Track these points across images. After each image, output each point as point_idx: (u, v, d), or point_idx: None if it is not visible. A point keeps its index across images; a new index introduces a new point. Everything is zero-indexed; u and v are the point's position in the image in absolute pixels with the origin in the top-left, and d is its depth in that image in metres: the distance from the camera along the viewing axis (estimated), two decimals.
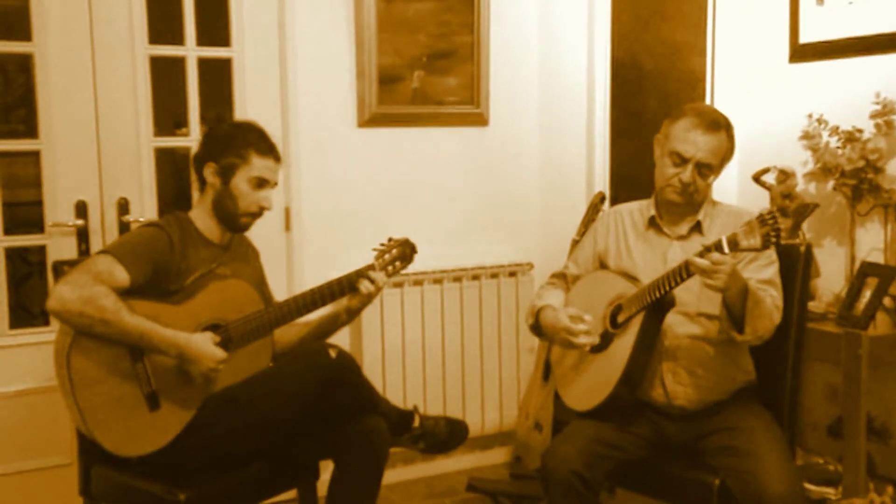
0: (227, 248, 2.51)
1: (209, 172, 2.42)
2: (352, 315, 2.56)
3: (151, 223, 2.45)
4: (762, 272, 2.34)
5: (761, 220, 2.01)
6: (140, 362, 2.26)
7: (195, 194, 2.59)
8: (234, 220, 2.45)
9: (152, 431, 2.26)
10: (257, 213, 2.47)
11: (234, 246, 2.54)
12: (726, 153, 2.41)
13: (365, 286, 2.45)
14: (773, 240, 2.00)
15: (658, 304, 2.26)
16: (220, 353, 2.28)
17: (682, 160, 2.37)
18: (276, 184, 2.49)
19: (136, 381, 2.25)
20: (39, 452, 3.03)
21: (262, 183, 2.44)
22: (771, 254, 2.37)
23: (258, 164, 2.43)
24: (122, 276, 2.22)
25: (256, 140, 2.45)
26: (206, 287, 2.37)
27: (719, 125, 2.38)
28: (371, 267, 2.49)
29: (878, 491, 2.24)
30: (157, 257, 2.31)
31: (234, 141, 2.44)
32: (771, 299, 2.29)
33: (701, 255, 2.10)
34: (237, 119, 2.56)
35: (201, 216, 2.46)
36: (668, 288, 2.22)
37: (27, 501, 3.02)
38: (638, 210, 2.56)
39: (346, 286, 2.47)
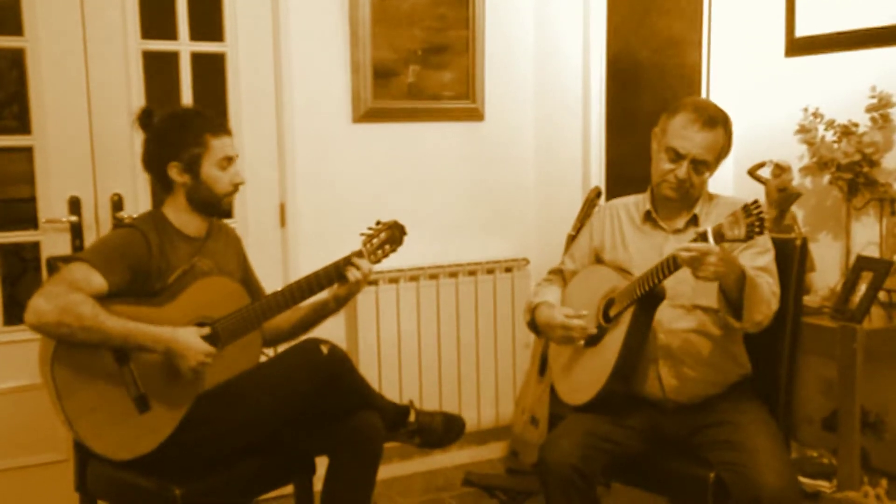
0: (206, 240, 2.47)
1: (175, 172, 2.37)
2: (340, 303, 2.52)
3: (126, 224, 2.42)
4: (757, 259, 2.34)
5: (746, 210, 2.02)
6: (126, 365, 2.24)
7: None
8: (215, 206, 2.42)
9: (143, 433, 2.25)
10: (235, 191, 2.44)
11: (212, 236, 2.50)
12: (723, 149, 2.40)
13: (352, 274, 2.42)
14: (757, 230, 2.00)
15: (648, 296, 2.26)
16: (208, 346, 2.26)
17: (677, 156, 2.37)
18: (237, 156, 2.46)
19: (124, 384, 2.24)
20: (35, 448, 3.02)
21: (228, 161, 2.40)
22: (766, 242, 2.37)
23: (218, 146, 2.38)
24: (98, 283, 2.19)
25: (206, 123, 2.40)
26: (189, 286, 2.34)
27: (716, 121, 2.37)
28: (358, 253, 2.45)
29: (872, 484, 2.24)
30: (134, 260, 2.28)
31: (187, 132, 2.38)
32: (767, 285, 2.29)
33: (671, 258, 2.11)
34: (174, 110, 2.52)
35: (176, 213, 2.42)
36: (656, 281, 2.22)
37: (23, 497, 3.02)
38: (634, 204, 2.56)
39: (333, 275, 2.43)
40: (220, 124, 2.42)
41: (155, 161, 2.40)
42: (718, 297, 2.26)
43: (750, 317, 2.22)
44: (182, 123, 2.40)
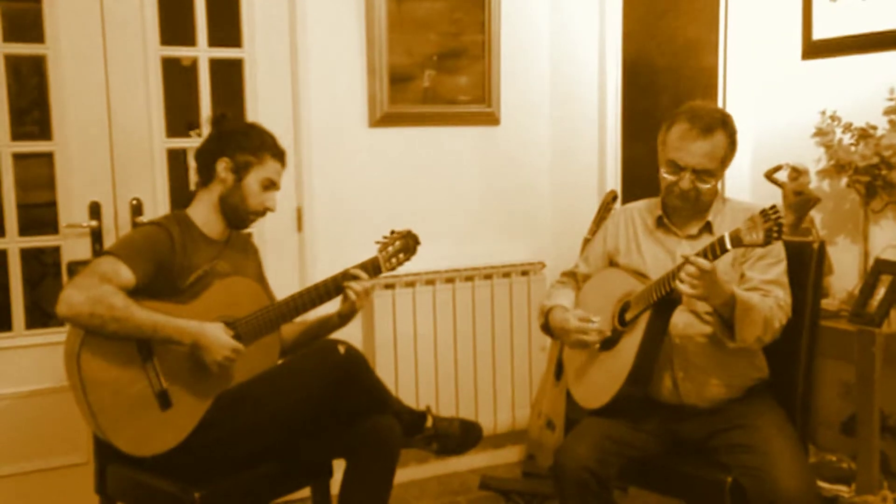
0: (226, 245, 2.52)
1: (222, 167, 2.44)
2: (344, 319, 2.57)
3: (151, 222, 2.46)
4: (768, 272, 2.33)
5: (764, 215, 2.01)
6: (150, 361, 2.27)
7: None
8: (240, 217, 2.48)
9: (165, 430, 2.28)
10: (262, 214, 2.50)
11: (233, 241, 2.55)
12: (726, 153, 2.37)
13: (351, 292, 2.45)
14: (776, 235, 1.99)
15: (664, 301, 2.26)
16: (235, 342, 2.30)
17: (678, 168, 2.35)
18: (280, 188, 2.53)
19: (147, 380, 2.27)
20: (56, 451, 3.05)
21: (270, 185, 2.48)
22: (779, 252, 2.36)
23: (271, 167, 2.47)
24: (127, 276, 2.24)
25: (272, 143, 2.50)
26: (211, 285, 2.39)
27: (713, 127, 2.33)
28: (375, 261, 2.50)
29: (892, 488, 2.23)
30: (160, 255, 2.32)
31: (251, 140, 2.46)
32: (774, 300, 2.28)
33: (683, 264, 2.12)
34: (251, 121, 2.59)
35: (203, 212, 2.47)
36: (672, 285, 2.20)
37: (44, 500, 3.05)
38: (647, 208, 2.55)
39: (339, 284, 2.48)
40: (282, 153, 2.52)
41: (210, 150, 2.47)
42: (714, 318, 2.26)
43: (742, 337, 2.23)
44: (251, 132, 2.50)
